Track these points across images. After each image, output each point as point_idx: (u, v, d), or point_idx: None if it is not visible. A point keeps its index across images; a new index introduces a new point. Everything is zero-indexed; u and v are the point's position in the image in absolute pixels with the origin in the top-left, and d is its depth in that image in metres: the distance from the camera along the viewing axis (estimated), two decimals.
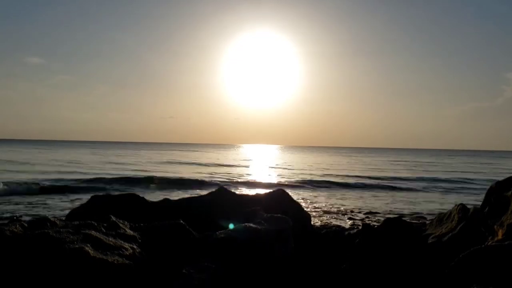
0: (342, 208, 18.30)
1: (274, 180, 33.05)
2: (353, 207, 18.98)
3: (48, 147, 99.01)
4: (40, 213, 15.29)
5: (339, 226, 12.91)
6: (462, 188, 29.08)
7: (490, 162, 76.25)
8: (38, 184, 23.79)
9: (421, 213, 17.21)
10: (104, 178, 28.62)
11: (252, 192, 18.52)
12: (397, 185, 29.82)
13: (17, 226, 5.45)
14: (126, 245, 5.66)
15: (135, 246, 5.73)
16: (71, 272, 4.86)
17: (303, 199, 21.12)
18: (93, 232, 5.61)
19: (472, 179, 36.05)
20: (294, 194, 16.68)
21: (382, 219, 13.49)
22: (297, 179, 33.43)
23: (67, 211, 13.19)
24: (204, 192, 12.27)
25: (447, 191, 27.34)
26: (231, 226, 6.70)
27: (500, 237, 6.60)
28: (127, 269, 5.23)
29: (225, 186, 10.49)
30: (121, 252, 5.43)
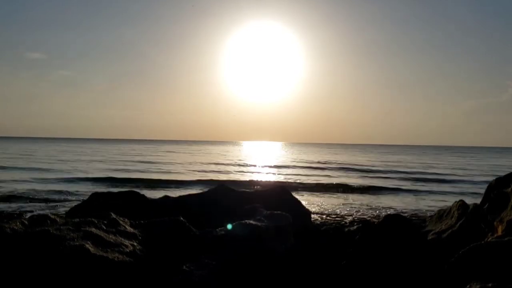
0: (342, 205, 18.32)
1: (275, 176, 33.06)
2: (353, 203, 19.00)
3: (45, 144, 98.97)
4: (40, 210, 15.29)
5: (339, 223, 12.93)
6: (463, 184, 29.08)
7: (492, 158, 76.27)
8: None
9: (421, 209, 17.22)
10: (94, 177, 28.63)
11: (252, 189, 18.53)
12: (397, 181, 29.84)
13: (18, 223, 5.46)
14: (127, 242, 5.67)
15: (135, 243, 5.75)
16: (71, 270, 4.86)
17: (302, 195, 21.14)
18: (93, 229, 5.62)
19: (473, 176, 36.06)
20: (293, 191, 16.69)
21: (382, 215, 13.53)
22: (297, 175, 33.45)
23: (67, 208, 13.22)
24: (204, 189, 12.28)
25: (448, 187, 27.34)
26: (229, 226, 6.67)
27: (499, 233, 6.61)
28: (127, 266, 5.24)
29: (225, 183, 10.47)
30: (121, 249, 5.44)
